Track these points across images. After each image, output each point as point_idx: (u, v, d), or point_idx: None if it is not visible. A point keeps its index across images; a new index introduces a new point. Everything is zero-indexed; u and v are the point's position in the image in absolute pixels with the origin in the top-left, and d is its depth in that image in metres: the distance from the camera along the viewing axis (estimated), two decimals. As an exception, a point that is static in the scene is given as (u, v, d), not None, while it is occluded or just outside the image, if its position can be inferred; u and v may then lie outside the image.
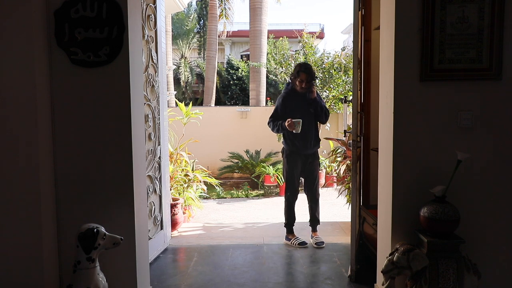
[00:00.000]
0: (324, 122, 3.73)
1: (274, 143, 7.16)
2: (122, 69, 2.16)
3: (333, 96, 7.33)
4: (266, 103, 12.16)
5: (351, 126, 2.95)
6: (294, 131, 3.49)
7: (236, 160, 7.26)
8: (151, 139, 3.26)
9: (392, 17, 2.11)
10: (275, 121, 3.67)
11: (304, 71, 3.55)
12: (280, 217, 4.83)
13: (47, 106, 2.16)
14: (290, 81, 3.73)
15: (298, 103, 3.59)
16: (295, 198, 3.74)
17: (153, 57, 3.26)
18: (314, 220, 3.73)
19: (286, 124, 3.50)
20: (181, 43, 19.79)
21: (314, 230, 3.72)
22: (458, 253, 1.92)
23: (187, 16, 20.31)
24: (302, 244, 3.55)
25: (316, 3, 79.92)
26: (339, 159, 5.03)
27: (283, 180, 3.78)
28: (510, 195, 2.15)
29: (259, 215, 5.01)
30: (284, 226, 3.73)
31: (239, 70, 17.19)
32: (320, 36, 14.98)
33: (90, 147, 2.21)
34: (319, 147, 3.77)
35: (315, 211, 3.74)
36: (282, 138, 3.76)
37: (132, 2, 2.22)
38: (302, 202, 6.03)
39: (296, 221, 4.59)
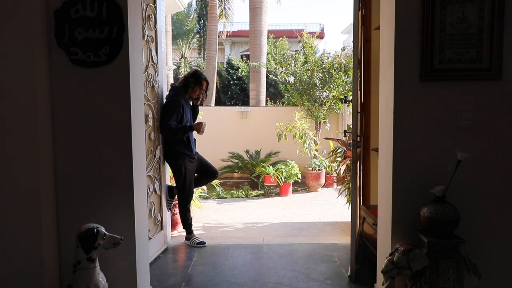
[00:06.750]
0: None
1: (274, 143, 7.17)
2: (122, 69, 2.16)
3: (333, 96, 7.33)
4: (266, 103, 12.16)
5: (351, 126, 2.95)
6: (200, 133, 3.60)
7: (236, 160, 7.26)
8: (151, 139, 3.27)
9: (392, 17, 2.11)
10: (180, 124, 3.52)
11: (206, 80, 3.69)
12: (280, 217, 4.84)
13: (47, 106, 2.15)
14: (177, 85, 3.65)
15: (187, 108, 3.64)
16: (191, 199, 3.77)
17: (153, 57, 3.26)
18: None
19: (198, 127, 3.56)
20: (181, 43, 19.79)
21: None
22: (458, 253, 1.92)
23: (187, 16, 20.31)
24: (201, 243, 3.58)
25: (316, 3, 80.00)
26: (339, 159, 5.03)
27: (181, 184, 3.59)
28: (510, 195, 2.15)
29: (259, 215, 5.00)
30: (187, 228, 3.68)
31: (239, 70, 17.18)
32: (320, 36, 14.99)
33: (90, 147, 2.21)
34: None
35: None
36: (171, 143, 3.54)
37: (132, 2, 2.22)
38: (301, 202, 6.04)
39: (294, 221, 4.62)
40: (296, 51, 8.19)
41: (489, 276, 2.11)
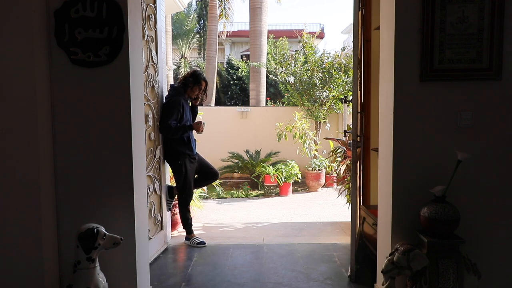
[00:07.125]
0: None
1: (274, 143, 7.17)
2: (122, 69, 2.16)
3: (333, 96, 7.33)
4: (266, 103, 12.15)
5: (351, 126, 2.95)
6: (199, 133, 3.64)
7: (236, 160, 7.26)
8: (151, 139, 3.27)
9: (392, 17, 2.11)
10: (180, 124, 3.52)
11: (205, 80, 3.72)
12: (280, 217, 4.84)
13: (47, 106, 2.15)
14: (177, 85, 3.64)
15: (187, 107, 3.66)
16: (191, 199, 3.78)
17: (153, 57, 3.26)
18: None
19: (198, 126, 3.60)
20: (181, 43, 19.79)
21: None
22: (458, 253, 1.92)
23: (187, 16, 20.31)
24: (201, 243, 3.58)
25: (316, 3, 79.98)
26: (339, 159, 5.03)
27: (181, 185, 3.58)
28: (510, 195, 2.15)
29: (259, 215, 5.00)
30: (187, 228, 3.68)
31: (239, 70, 17.18)
32: (320, 36, 14.98)
33: (90, 147, 2.21)
34: None
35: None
36: (171, 143, 3.54)
37: (132, 2, 2.22)
38: (301, 202, 6.03)
39: (294, 221, 4.62)
40: (296, 51, 8.19)
41: (489, 276, 2.11)
